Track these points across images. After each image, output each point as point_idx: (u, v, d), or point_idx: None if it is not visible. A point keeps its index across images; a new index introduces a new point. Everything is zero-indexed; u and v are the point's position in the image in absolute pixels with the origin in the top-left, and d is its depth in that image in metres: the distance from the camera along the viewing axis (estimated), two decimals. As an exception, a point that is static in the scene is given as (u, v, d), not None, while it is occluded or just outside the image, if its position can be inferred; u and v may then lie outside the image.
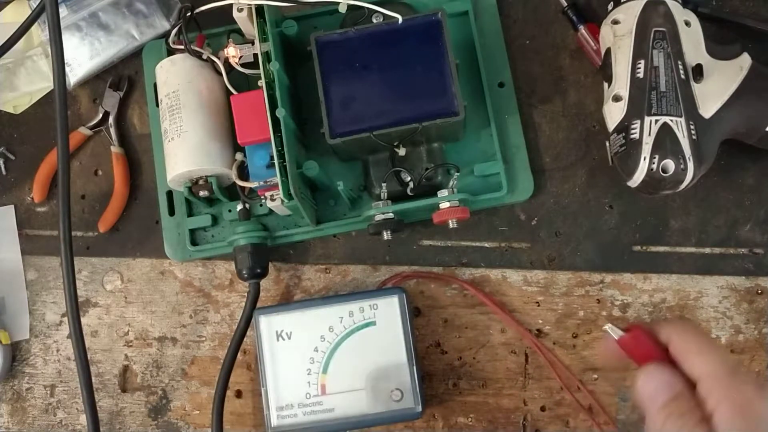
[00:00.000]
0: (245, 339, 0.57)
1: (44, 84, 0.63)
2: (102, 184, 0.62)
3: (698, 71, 0.52)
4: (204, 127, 0.55)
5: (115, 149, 0.62)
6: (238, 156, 0.56)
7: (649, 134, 0.50)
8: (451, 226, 0.54)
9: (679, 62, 0.52)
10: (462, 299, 0.58)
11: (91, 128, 0.62)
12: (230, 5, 0.53)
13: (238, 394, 0.59)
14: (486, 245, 0.59)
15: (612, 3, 0.56)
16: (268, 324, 0.55)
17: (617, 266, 0.57)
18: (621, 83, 0.52)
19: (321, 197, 0.59)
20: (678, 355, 0.40)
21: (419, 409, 0.53)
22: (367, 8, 0.54)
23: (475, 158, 0.58)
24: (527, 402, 0.57)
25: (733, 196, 0.57)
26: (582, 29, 0.59)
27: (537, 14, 0.61)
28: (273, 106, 0.52)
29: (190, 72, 0.56)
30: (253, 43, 0.55)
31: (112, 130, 0.62)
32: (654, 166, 0.50)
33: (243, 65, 0.56)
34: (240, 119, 0.54)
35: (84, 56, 0.62)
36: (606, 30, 0.55)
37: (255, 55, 0.55)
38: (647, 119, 0.51)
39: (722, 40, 0.55)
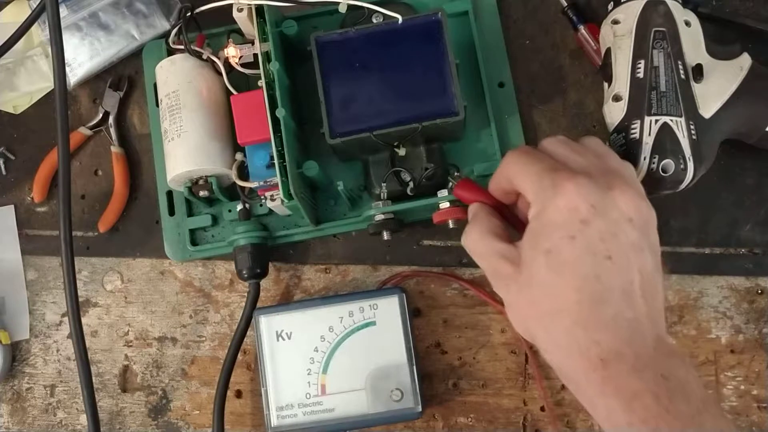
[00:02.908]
0: (245, 339, 0.57)
1: (44, 84, 0.63)
2: (102, 184, 0.62)
3: (698, 71, 0.52)
4: (204, 127, 0.55)
5: (115, 149, 0.62)
6: (238, 156, 0.56)
7: (649, 134, 0.50)
8: (451, 226, 0.54)
9: (679, 62, 0.52)
10: (462, 299, 0.58)
11: (91, 128, 0.62)
12: (230, 5, 0.53)
13: (238, 394, 0.59)
14: (486, 245, 0.59)
15: (612, 3, 0.56)
16: (268, 324, 0.55)
17: (617, 266, 0.57)
18: (621, 83, 0.52)
19: (321, 197, 0.59)
20: (514, 184, 0.43)
21: (419, 409, 0.53)
22: (367, 8, 0.54)
23: (475, 158, 0.58)
24: (527, 402, 0.57)
25: (733, 196, 0.57)
26: (582, 29, 0.59)
27: (537, 14, 0.61)
28: (273, 106, 0.52)
29: (190, 72, 0.56)
30: (253, 43, 0.55)
31: (112, 130, 0.62)
32: (654, 166, 0.50)
33: (243, 65, 0.56)
34: (240, 119, 0.54)
35: (84, 56, 0.62)
36: (606, 30, 0.55)
37: (255, 55, 0.55)
38: (647, 119, 0.51)
39: (722, 40, 0.55)
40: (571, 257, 0.39)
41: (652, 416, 0.36)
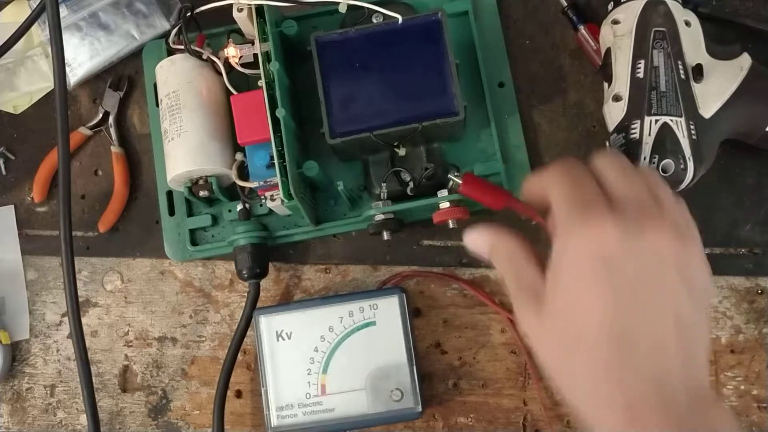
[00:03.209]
0: (245, 339, 0.57)
1: (44, 84, 0.63)
2: (102, 184, 0.62)
3: (698, 71, 0.52)
4: (204, 127, 0.55)
5: (115, 149, 0.62)
6: (238, 156, 0.56)
7: (649, 134, 0.50)
8: (451, 226, 0.54)
9: (679, 62, 0.52)
10: (462, 299, 0.58)
11: (91, 128, 0.62)
12: (230, 5, 0.53)
13: (238, 394, 0.59)
14: (486, 245, 0.59)
15: (612, 3, 0.56)
16: (268, 324, 0.55)
17: (617, 266, 0.57)
18: (621, 83, 0.52)
19: (321, 197, 0.59)
20: (549, 200, 0.41)
21: (419, 409, 0.53)
22: (367, 8, 0.54)
23: (475, 158, 0.58)
24: (527, 402, 0.57)
25: (733, 196, 0.57)
26: (582, 29, 0.59)
27: (537, 14, 0.61)
28: (273, 106, 0.52)
29: (190, 72, 0.56)
30: (253, 43, 0.55)
31: (112, 130, 0.62)
32: (654, 166, 0.50)
33: (243, 65, 0.56)
34: (240, 119, 0.54)
35: (84, 56, 0.62)
36: (606, 30, 0.55)
37: (255, 55, 0.55)
38: (647, 119, 0.51)
39: (722, 40, 0.55)
40: (594, 297, 0.36)
41: None
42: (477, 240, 0.44)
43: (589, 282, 0.37)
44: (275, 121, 0.52)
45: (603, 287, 0.36)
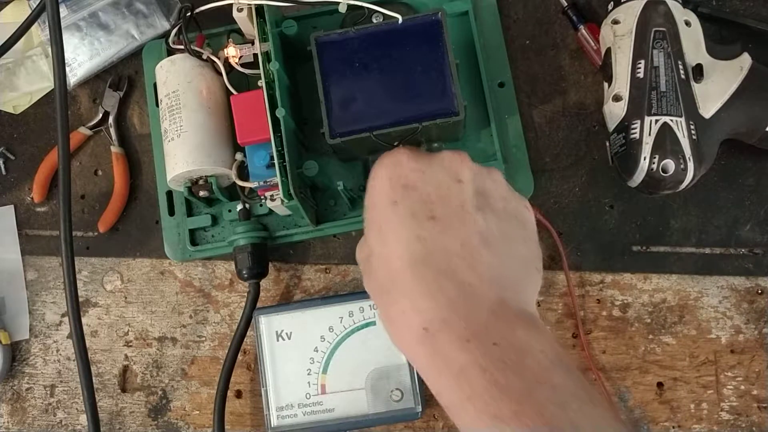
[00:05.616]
0: (245, 339, 0.57)
1: (44, 84, 0.63)
2: (102, 184, 0.62)
3: (698, 71, 0.52)
4: (204, 127, 0.55)
5: (115, 149, 0.62)
6: (238, 156, 0.56)
7: (649, 134, 0.51)
8: (451, 226, 0.54)
9: (679, 62, 0.52)
10: (462, 299, 0.58)
11: (91, 128, 0.62)
12: (230, 5, 0.53)
13: (238, 394, 0.59)
14: (486, 245, 0.58)
15: (612, 3, 0.56)
16: (268, 324, 0.55)
17: (617, 266, 0.57)
18: (621, 83, 0.52)
19: (321, 197, 0.59)
20: None
21: (419, 409, 0.53)
22: (367, 8, 0.54)
23: (475, 158, 0.57)
24: (527, 402, 0.57)
25: (733, 196, 0.57)
26: (582, 29, 0.59)
27: (537, 14, 0.61)
28: (273, 106, 0.52)
29: (190, 72, 0.56)
30: (253, 43, 0.55)
31: (112, 130, 0.62)
32: (654, 166, 0.50)
33: (243, 65, 0.56)
34: (240, 119, 0.54)
35: (84, 56, 0.62)
36: (606, 30, 0.55)
37: (255, 55, 0.55)
38: (647, 119, 0.51)
39: (722, 40, 0.55)
40: (394, 224, 0.36)
41: (478, 393, 0.31)
42: None
43: (390, 209, 0.37)
44: (275, 121, 0.52)
45: (401, 210, 0.37)
